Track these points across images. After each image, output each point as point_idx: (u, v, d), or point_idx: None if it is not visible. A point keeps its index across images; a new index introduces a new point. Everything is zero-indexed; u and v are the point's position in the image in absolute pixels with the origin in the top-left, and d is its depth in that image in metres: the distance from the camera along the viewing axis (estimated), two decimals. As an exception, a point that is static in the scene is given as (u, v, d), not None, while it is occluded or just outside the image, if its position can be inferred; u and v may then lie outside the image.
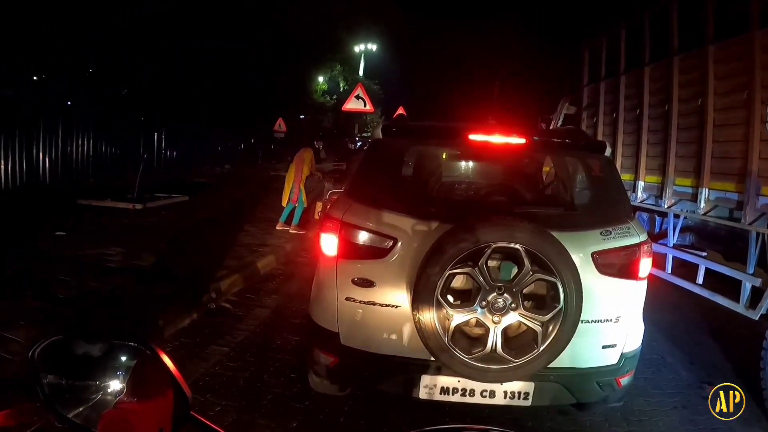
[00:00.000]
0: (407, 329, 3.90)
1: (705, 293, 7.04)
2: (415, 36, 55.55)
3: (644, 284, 4.16)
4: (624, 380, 4.22)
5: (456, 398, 4.03)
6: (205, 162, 26.16)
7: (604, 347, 4.09)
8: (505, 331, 3.67)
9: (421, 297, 3.61)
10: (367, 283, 3.97)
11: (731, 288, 6.58)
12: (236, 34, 30.58)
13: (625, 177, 8.81)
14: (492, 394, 3.99)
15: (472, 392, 4.00)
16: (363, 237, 4.02)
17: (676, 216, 8.09)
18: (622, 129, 9.55)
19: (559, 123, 12.73)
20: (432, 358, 3.78)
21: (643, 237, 4.12)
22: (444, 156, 6.06)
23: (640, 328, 4.28)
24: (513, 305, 3.61)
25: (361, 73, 47.36)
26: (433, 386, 4.02)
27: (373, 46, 49.44)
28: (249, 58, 32.67)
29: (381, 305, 3.98)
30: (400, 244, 3.94)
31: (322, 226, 4.28)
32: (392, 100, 41.26)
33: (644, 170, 8.69)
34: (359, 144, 33.39)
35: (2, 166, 13.92)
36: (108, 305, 6.35)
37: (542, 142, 4.90)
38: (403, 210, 4.03)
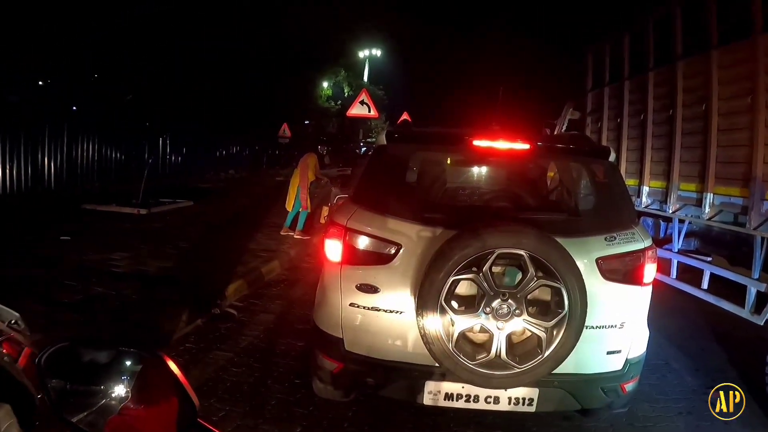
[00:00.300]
0: (411, 335, 3.90)
1: (710, 298, 7.03)
2: (419, 42, 55.66)
3: (649, 290, 4.15)
4: (629, 386, 4.21)
5: (460, 404, 4.02)
6: (209, 167, 26.20)
7: (608, 353, 4.08)
8: (509, 337, 3.67)
9: (425, 303, 3.61)
10: (371, 289, 3.97)
11: (736, 293, 6.56)
12: (240, 39, 30.62)
13: (630, 182, 8.80)
14: (496, 400, 3.99)
15: (476, 398, 3.99)
16: (367, 243, 4.02)
17: (681, 221, 8.07)
18: (627, 134, 9.55)
19: (564, 128, 12.74)
20: (436, 364, 3.77)
21: (648, 242, 4.11)
22: (448, 162, 6.06)
23: (644, 333, 4.27)
24: (517, 311, 3.61)
25: (365, 78, 47.43)
26: (437, 392, 4.01)
27: (377, 52, 49.50)
28: (253, 63, 32.73)
29: (385, 311, 3.98)
30: (404, 249, 3.94)
31: (326, 231, 4.28)
32: (397, 105, 41.37)
33: (649, 175, 8.69)
34: (363, 149, 33.45)
35: (8, 171, 13.99)
36: (112, 310, 6.36)
37: (546, 148, 4.89)
38: (408, 216, 4.03)
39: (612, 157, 4.57)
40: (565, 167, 5.31)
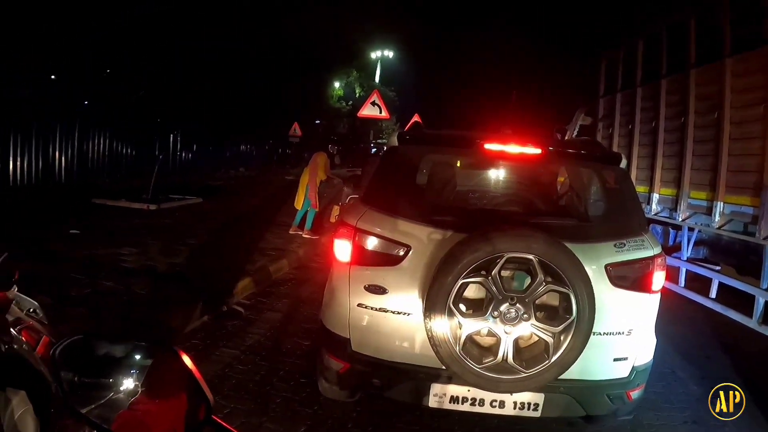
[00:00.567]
0: (419, 337, 3.90)
1: (718, 308, 7.02)
2: (431, 44, 55.63)
3: (657, 297, 4.14)
4: (635, 393, 4.20)
5: (465, 407, 4.02)
6: (219, 165, 26.27)
7: (615, 360, 4.07)
8: (516, 342, 3.66)
9: (433, 305, 3.61)
10: (379, 290, 3.98)
11: (744, 303, 6.54)
12: (252, 37, 30.68)
13: (640, 189, 8.79)
14: (502, 404, 3.98)
15: (481, 402, 3.99)
16: (376, 243, 4.03)
17: (691, 229, 8.06)
18: (638, 141, 9.54)
19: (575, 133, 12.72)
20: (443, 367, 3.77)
21: (657, 250, 4.10)
22: (459, 164, 6.06)
23: (652, 341, 4.25)
24: (525, 316, 3.60)
25: (377, 79, 47.46)
26: (443, 395, 4.01)
27: (389, 53, 49.50)
28: (266, 62, 32.78)
29: (393, 312, 3.98)
30: (413, 251, 3.94)
31: (336, 231, 4.29)
32: (408, 107, 41.27)
33: (659, 182, 8.68)
34: (374, 150, 33.48)
35: (19, 164, 14.06)
36: (120, 305, 6.38)
37: (557, 153, 4.88)
38: (418, 218, 4.04)
39: (623, 164, 4.56)
40: (576, 172, 5.30)
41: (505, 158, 4.67)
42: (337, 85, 47.53)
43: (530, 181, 5.86)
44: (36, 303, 1.96)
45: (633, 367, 4.12)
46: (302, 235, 11.90)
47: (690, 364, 6.52)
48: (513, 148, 4.26)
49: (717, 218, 6.98)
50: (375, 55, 48.71)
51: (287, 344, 6.23)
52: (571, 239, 3.77)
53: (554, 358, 3.63)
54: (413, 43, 51.67)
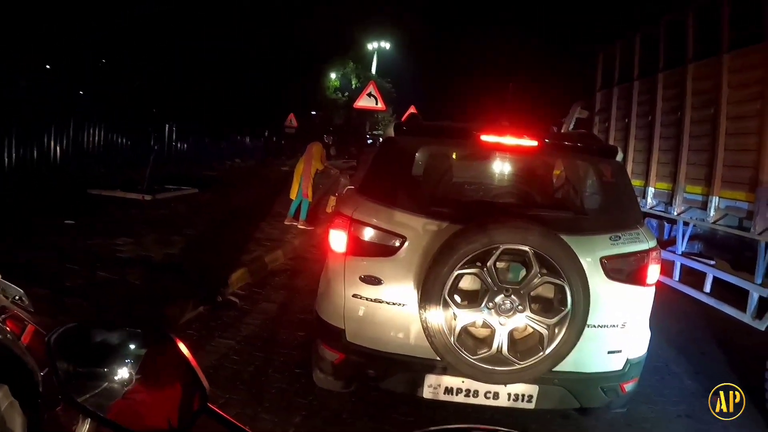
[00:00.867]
0: (413, 328, 3.91)
1: (712, 302, 7.02)
2: (429, 37, 55.52)
3: (652, 291, 4.15)
4: (628, 386, 4.21)
5: (460, 399, 4.04)
6: (215, 156, 26.22)
7: (609, 352, 4.09)
8: (511, 333, 3.68)
9: (428, 296, 3.62)
10: (374, 281, 3.98)
11: (739, 298, 6.55)
12: (246, 29, 30.60)
13: (636, 183, 8.79)
14: (496, 395, 4.00)
15: (476, 393, 4.00)
16: (372, 234, 4.03)
17: (686, 223, 8.07)
18: (634, 135, 9.54)
19: (571, 127, 12.73)
20: (437, 358, 3.78)
21: (653, 243, 4.11)
22: (455, 156, 6.06)
23: (646, 334, 4.27)
24: (520, 307, 3.61)
25: (373, 71, 47.33)
26: (437, 386, 4.02)
27: (386, 45, 49.35)
28: (263, 54, 32.70)
29: (388, 303, 3.99)
30: (408, 242, 3.95)
31: (331, 222, 4.29)
32: (404, 99, 41.13)
33: (655, 177, 8.68)
34: (370, 141, 33.41)
35: (14, 153, 13.99)
36: (115, 296, 6.37)
37: (554, 145, 4.88)
38: (413, 209, 4.04)
39: (619, 157, 4.57)
40: (572, 165, 5.31)
41: (501, 150, 4.67)
42: (333, 76, 47.42)
43: (526, 174, 5.85)
44: (21, 291, 1.93)
45: (627, 359, 4.14)
46: (297, 225, 11.90)
47: (684, 358, 6.54)
48: (509, 140, 4.26)
49: (712, 213, 6.99)
50: (372, 46, 48.56)
51: (282, 335, 6.24)
52: (567, 231, 3.78)
53: (549, 349, 3.64)
54: (410, 35, 51.59)
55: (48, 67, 25.31)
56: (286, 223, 12.07)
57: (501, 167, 5.99)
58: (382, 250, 4.00)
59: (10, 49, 19.05)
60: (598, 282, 3.82)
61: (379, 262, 4.01)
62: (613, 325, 4.02)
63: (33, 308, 2.03)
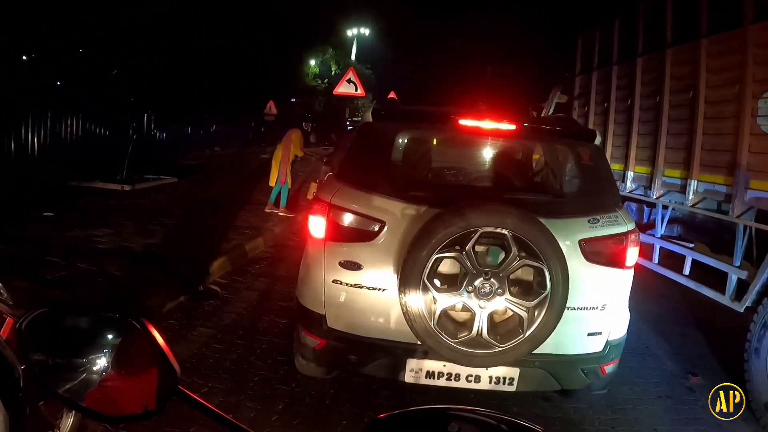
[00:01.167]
0: (394, 313, 3.91)
1: (691, 284, 7.06)
2: (408, 22, 55.30)
3: (631, 273, 4.18)
4: (609, 368, 4.25)
5: (441, 382, 4.05)
6: (194, 144, 25.96)
7: (589, 335, 4.11)
8: (491, 316, 3.68)
9: (408, 280, 3.62)
10: (354, 266, 3.98)
11: (717, 280, 6.60)
12: (225, 19, 30.38)
13: (615, 167, 8.82)
14: (477, 378, 4.01)
15: (457, 377, 4.02)
16: (351, 220, 4.02)
17: (665, 207, 8.10)
18: (613, 119, 9.56)
19: (551, 111, 12.73)
20: (418, 342, 3.79)
21: (631, 226, 4.14)
22: (434, 141, 6.05)
23: (625, 316, 4.30)
24: (499, 290, 3.62)
25: (353, 57, 47.15)
26: (418, 370, 4.04)
27: (365, 31, 49.17)
28: (239, 42, 32.44)
29: (368, 288, 3.99)
30: (387, 227, 3.94)
31: (310, 208, 4.28)
32: (384, 86, 40.99)
33: (634, 160, 8.71)
34: (350, 128, 33.35)
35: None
36: (96, 287, 6.33)
37: (532, 129, 4.89)
38: (392, 193, 4.03)
39: (598, 141, 4.58)
40: (550, 149, 5.33)
41: (479, 134, 4.66)
42: (312, 62, 47.17)
43: (505, 158, 5.86)
44: (0, 284, 1.91)
45: (607, 341, 4.17)
46: (278, 213, 11.86)
47: (664, 340, 6.61)
48: (488, 124, 4.26)
49: (691, 196, 7.01)
50: (351, 32, 48.33)
51: (264, 323, 6.23)
52: (545, 215, 3.79)
53: (528, 332, 3.66)
54: (389, 21, 51.29)
55: (24, 58, 25.04)
56: (266, 210, 12.02)
57: (480, 152, 6.00)
58: (362, 235, 4.00)
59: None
60: (576, 265, 3.83)
61: (358, 247, 4.01)
62: (593, 308, 4.04)
63: (12, 301, 2.00)
